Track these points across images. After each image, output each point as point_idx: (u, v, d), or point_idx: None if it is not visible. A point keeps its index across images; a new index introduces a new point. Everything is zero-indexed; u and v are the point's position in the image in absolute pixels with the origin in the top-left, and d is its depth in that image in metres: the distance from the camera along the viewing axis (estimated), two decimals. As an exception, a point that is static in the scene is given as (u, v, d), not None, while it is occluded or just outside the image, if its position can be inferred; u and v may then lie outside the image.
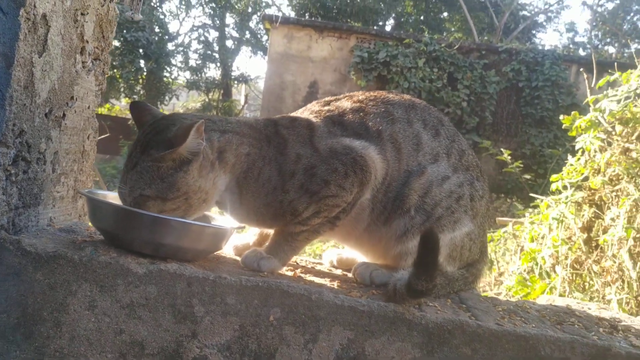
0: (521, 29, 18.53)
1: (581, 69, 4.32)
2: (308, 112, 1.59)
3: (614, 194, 2.98)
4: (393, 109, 1.55)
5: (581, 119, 3.13)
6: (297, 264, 1.67)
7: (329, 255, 1.75)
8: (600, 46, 19.56)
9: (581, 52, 18.86)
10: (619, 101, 3.01)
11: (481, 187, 1.58)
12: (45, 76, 1.37)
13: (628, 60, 14.54)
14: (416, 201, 1.46)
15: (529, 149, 11.01)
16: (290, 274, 1.49)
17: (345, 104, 1.57)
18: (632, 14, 18.91)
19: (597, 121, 3.07)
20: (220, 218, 1.60)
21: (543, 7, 21.29)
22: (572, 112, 3.29)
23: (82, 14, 1.50)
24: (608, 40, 19.48)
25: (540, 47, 14.42)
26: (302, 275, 1.50)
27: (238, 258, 1.58)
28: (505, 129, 11.57)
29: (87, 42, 1.58)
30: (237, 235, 1.65)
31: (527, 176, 7.73)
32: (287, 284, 1.25)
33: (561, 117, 3.34)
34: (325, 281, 1.46)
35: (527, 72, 11.45)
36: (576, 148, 3.14)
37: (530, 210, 5.17)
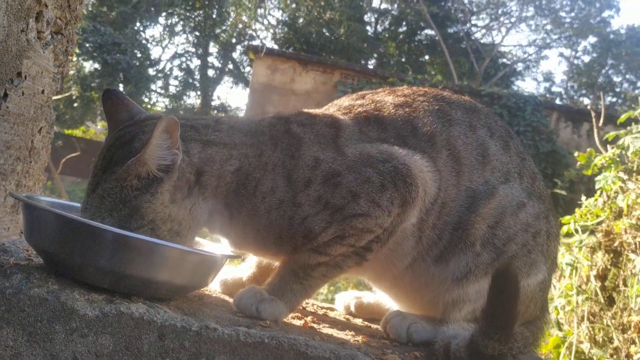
0: (500, 76, 18.89)
1: (589, 106, 4.17)
2: (335, 107, 1.26)
3: (638, 239, 2.70)
4: (450, 108, 1.23)
5: (600, 156, 2.88)
6: (304, 308, 1.29)
7: (345, 299, 1.36)
8: (575, 97, 20.07)
9: (558, 102, 19.30)
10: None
11: (555, 223, 1.26)
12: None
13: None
14: (484, 233, 1.12)
15: (510, 193, 10.92)
16: (298, 323, 1.11)
17: (386, 98, 1.25)
18: (607, 68, 19.58)
19: (617, 159, 2.82)
20: (209, 243, 1.22)
21: (522, 55, 21.91)
22: (588, 150, 3.04)
23: (41, -36, 1.15)
24: (583, 91, 20.02)
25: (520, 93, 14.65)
26: (314, 325, 1.12)
27: (227, 298, 1.19)
28: (487, 172, 11.48)
29: (46, 6, 1.21)
30: (227, 267, 1.27)
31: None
32: (305, 343, 0.87)
33: (576, 154, 3.09)
34: (347, 335, 1.08)
35: (509, 116, 11.46)
36: (596, 187, 2.87)
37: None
